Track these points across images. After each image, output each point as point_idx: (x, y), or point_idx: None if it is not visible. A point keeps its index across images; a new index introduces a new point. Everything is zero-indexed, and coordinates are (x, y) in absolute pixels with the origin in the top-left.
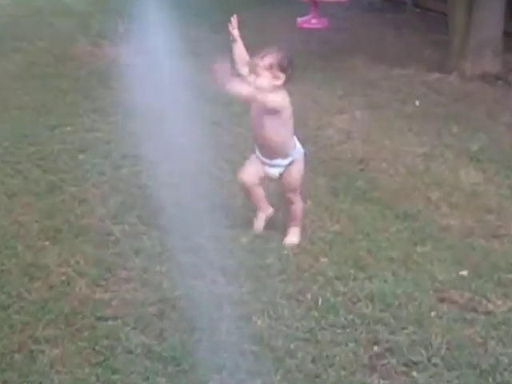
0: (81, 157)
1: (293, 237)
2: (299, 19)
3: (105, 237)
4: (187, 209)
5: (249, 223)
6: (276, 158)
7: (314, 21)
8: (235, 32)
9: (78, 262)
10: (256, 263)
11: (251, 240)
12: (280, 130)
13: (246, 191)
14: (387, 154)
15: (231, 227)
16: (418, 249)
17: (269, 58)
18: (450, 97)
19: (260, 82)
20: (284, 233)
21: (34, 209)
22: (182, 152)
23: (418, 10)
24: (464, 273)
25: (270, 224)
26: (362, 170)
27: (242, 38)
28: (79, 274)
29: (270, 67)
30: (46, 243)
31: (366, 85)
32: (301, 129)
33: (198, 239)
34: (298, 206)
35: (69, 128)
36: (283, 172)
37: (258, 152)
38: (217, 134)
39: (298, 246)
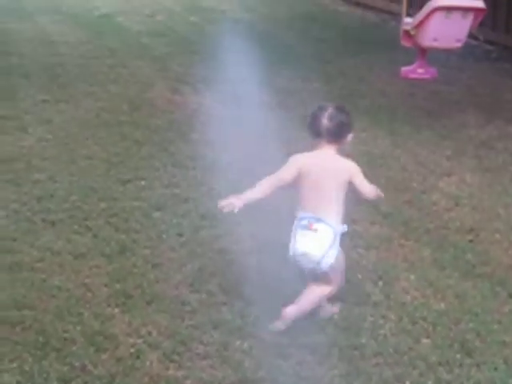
0: (156, 215)
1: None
2: (404, 68)
3: (180, 306)
4: (273, 277)
5: (341, 297)
6: None
7: (420, 70)
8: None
9: (149, 333)
10: (349, 343)
11: (344, 316)
12: None
13: None
14: (501, 223)
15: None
16: None
17: None
18: None
19: None
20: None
21: (102, 271)
22: (267, 213)
23: None
24: None
25: (362, 300)
26: (471, 241)
27: (340, 87)
28: (151, 346)
29: None
30: (116, 310)
31: (479, 145)
32: (404, 192)
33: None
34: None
35: (143, 183)
36: None
37: None
38: None
39: (397, 325)
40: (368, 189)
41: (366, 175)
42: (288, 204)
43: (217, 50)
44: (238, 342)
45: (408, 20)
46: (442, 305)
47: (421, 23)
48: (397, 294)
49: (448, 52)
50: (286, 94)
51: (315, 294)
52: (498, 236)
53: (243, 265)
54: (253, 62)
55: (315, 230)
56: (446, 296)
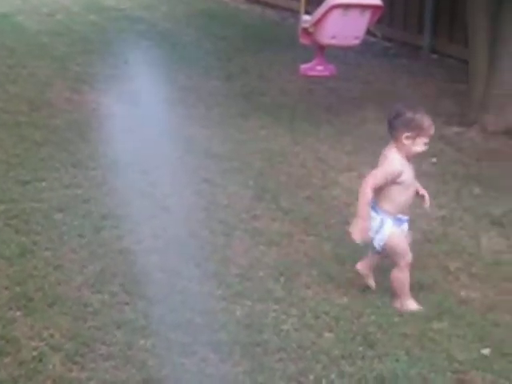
0: (57, 217)
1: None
2: (303, 66)
3: (82, 307)
4: (175, 277)
5: (243, 294)
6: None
7: (319, 67)
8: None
9: (51, 336)
10: (252, 339)
11: (246, 313)
12: None
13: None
14: None
15: (224, 298)
16: (435, 324)
17: None
18: (471, 154)
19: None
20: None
21: (3, 274)
22: (168, 213)
23: (435, 55)
24: (486, 351)
25: (264, 296)
26: None
27: (242, 85)
28: (53, 348)
29: None
30: (17, 313)
31: (377, 140)
32: (304, 188)
33: (187, 312)
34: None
35: (43, 184)
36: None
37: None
38: (209, 192)
39: (300, 320)
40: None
41: (267, 172)
42: (189, 202)
43: (116, 48)
44: (141, 342)
45: (306, 18)
46: (345, 299)
47: (319, 21)
48: (298, 289)
49: (346, 49)
50: (186, 92)
51: (393, 280)
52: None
53: (145, 264)
54: (153, 60)
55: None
56: (347, 290)
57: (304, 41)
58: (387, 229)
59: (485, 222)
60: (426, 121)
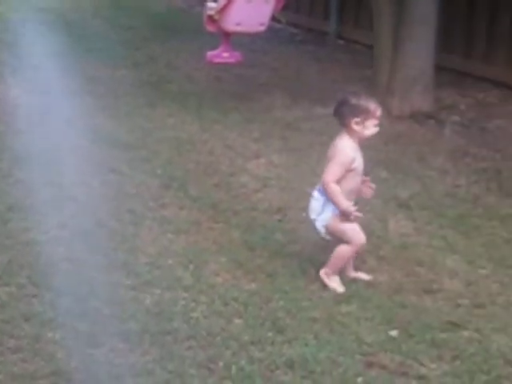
0: None
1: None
2: (209, 53)
3: None
4: (83, 267)
5: (152, 283)
6: None
7: (225, 54)
8: None
9: None
10: (161, 328)
11: (155, 301)
12: None
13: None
14: (308, 202)
15: (133, 288)
16: (343, 308)
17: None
18: (377, 138)
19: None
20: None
21: None
22: (76, 203)
23: (341, 41)
24: (394, 333)
25: (173, 284)
26: (279, 220)
27: (150, 74)
28: None
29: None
30: None
31: (285, 126)
32: (212, 176)
33: (95, 302)
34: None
35: None
36: None
37: None
38: (116, 182)
39: (209, 307)
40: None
41: (175, 160)
42: (96, 192)
43: (22, 38)
44: (49, 334)
45: (212, 5)
46: (253, 285)
47: (224, 8)
48: (207, 277)
49: (252, 36)
50: (94, 82)
51: (337, 250)
52: (305, 215)
53: (52, 255)
54: (60, 50)
55: (313, 197)
56: (256, 276)
57: (210, 28)
58: (330, 211)
59: (392, 205)
60: (372, 103)
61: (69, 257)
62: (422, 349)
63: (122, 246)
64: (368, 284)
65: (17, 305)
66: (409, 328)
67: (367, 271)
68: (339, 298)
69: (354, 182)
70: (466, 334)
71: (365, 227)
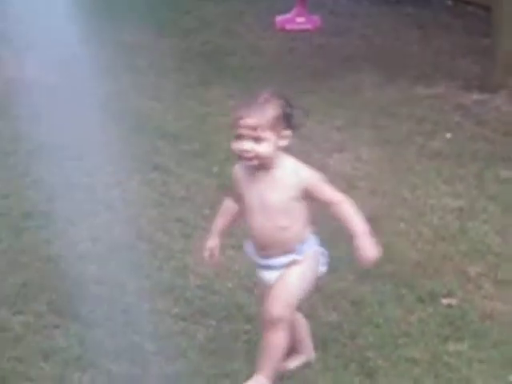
0: None
1: None
2: (279, 18)
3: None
4: (118, 291)
5: (206, 311)
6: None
7: (299, 19)
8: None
9: None
10: (218, 370)
11: (211, 336)
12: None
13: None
14: (406, 209)
15: (182, 318)
16: (451, 346)
17: (271, 110)
18: (496, 127)
19: (263, 149)
20: None
21: None
22: (110, 209)
23: (449, 1)
24: None
25: (234, 313)
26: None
27: (201, 43)
28: None
29: (275, 123)
30: None
31: (376, 112)
32: None
33: (134, 336)
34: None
35: None
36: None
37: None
38: (162, 182)
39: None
40: None
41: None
42: (137, 196)
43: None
44: (76, 375)
45: None
46: (334, 315)
47: None
48: None
49: None
50: (133, 54)
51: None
52: (402, 226)
53: (80, 276)
54: (88, 12)
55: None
56: (338, 304)
57: None
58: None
59: None
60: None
61: (101, 278)
62: None
63: (168, 264)
64: (484, 315)
65: (34, 338)
66: None
67: (482, 298)
68: (446, 334)
69: None
70: None
71: (478, 242)
